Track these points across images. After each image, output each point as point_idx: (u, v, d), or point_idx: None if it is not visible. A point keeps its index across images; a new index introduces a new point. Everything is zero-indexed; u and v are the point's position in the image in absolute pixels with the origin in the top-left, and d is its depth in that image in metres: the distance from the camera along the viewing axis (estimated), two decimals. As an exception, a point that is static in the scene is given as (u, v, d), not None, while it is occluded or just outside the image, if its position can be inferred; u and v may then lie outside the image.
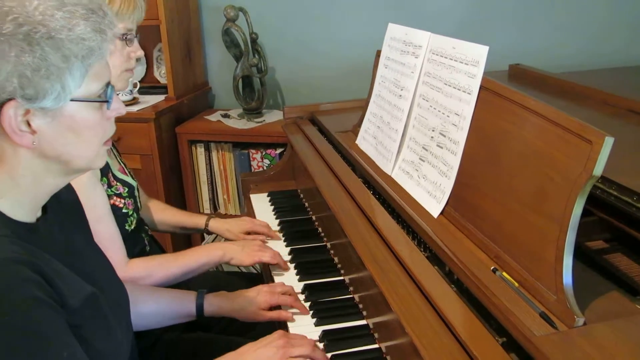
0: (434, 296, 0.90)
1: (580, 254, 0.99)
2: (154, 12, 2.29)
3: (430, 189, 1.18)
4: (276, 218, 1.66)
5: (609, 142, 0.77)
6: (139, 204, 1.37)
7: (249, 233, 1.53)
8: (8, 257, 0.68)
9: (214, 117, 2.48)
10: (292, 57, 2.55)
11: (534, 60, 2.06)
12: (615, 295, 0.86)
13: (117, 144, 2.13)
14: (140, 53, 1.25)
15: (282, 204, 1.72)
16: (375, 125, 1.47)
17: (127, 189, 1.30)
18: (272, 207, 1.72)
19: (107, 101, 0.77)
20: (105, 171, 1.25)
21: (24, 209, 0.79)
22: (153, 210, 1.57)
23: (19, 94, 0.68)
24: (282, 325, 1.17)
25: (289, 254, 1.44)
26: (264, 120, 2.39)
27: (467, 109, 1.10)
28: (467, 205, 1.07)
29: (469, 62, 1.11)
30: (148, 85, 2.59)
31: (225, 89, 2.62)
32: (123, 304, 0.99)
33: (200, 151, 2.43)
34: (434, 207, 1.15)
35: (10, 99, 0.68)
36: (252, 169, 2.38)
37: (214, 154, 2.43)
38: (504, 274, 0.91)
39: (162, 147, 2.34)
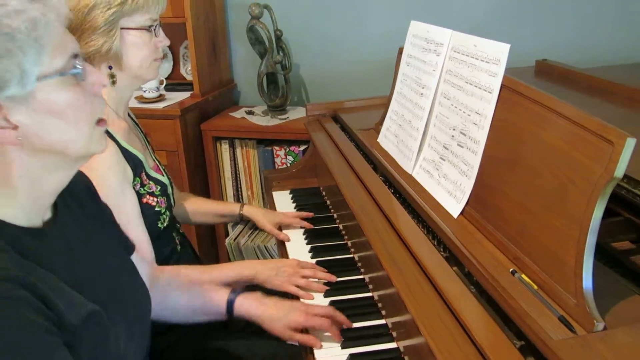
0: (450, 296, 0.90)
1: (605, 254, 0.97)
2: (180, 10, 2.32)
3: (450, 188, 1.17)
4: (298, 214, 1.67)
5: (630, 143, 0.75)
6: (172, 202, 1.38)
7: (280, 227, 1.55)
8: None
9: (238, 113, 2.50)
10: (317, 53, 2.55)
11: (562, 54, 2.02)
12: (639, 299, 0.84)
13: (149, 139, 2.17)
14: (167, 42, 1.27)
15: (304, 202, 1.73)
16: (397, 123, 1.47)
17: (159, 187, 1.31)
18: (294, 204, 1.73)
19: (75, 74, 0.73)
20: (139, 171, 1.26)
21: (27, 214, 0.77)
22: (188, 203, 1.60)
23: None
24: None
25: (309, 251, 1.44)
26: (288, 117, 2.40)
27: (488, 107, 1.08)
28: (487, 206, 1.05)
29: (490, 60, 1.10)
30: (174, 82, 2.62)
31: (250, 85, 2.63)
32: (141, 305, 0.98)
33: (224, 147, 2.45)
34: (454, 207, 1.14)
35: None
36: (276, 166, 2.39)
37: (238, 151, 2.45)
38: (523, 276, 0.90)
39: (188, 144, 2.36)
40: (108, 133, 1.19)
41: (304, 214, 1.58)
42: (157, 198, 1.30)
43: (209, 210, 1.61)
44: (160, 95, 2.42)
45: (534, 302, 0.84)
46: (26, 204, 0.76)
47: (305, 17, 2.52)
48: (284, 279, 1.26)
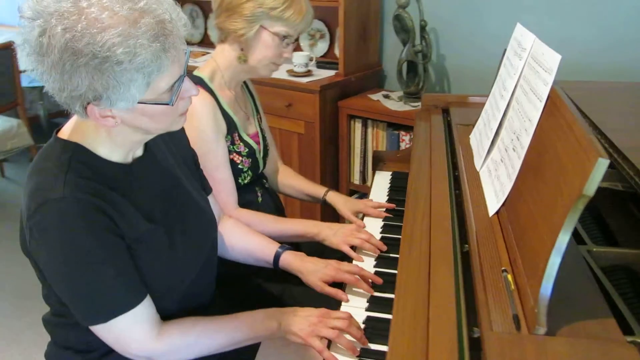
0: (433, 278, 0.98)
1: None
2: (335, -6, 2.52)
3: (497, 188, 1.21)
4: (387, 196, 1.78)
5: (602, 163, 0.76)
6: (259, 165, 1.61)
7: (360, 214, 1.66)
8: (76, 197, 0.94)
9: (376, 96, 2.65)
10: (463, 47, 2.57)
11: None
12: (609, 323, 0.84)
13: (287, 109, 2.44)
14: (290, 56, 1.50)
15: (398, 184, 1.83)
16: (483, 122, 1.50)
17: (247, 150, 1.54)
18: (389, 185, 1.85)
19: (167, 104, 0.95)
20: (232, 130, 1.51)
21: (119, 154, 1.04)
22: (282, 174, 1.82)
23: (95, 102, 0.90)
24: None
25: (381, 227, 1.56)
26: (419, 105, 2.48)
27: (536, 115, 1.10)
28: (512, 208, 1.09)
29: (546, 68, 1.11)
30: (326, 61, 2.85)
31: (395, 71, 2.75)
32: (207, 234, 1.22)
33: (357, 126, 2.63)
34: (493, 207, 1.18)
35: (90, 103, 0.91)
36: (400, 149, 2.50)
37: (369, 130, 2.61)
38: (509, 276, 0.94)
39: (325, 118, 2.59)
40: (214, 94, 1.46)
41: (386, 205, 1.65)
42: (243, 158, 1.53)
43: (296, 186, 1.78)
44: (308, 70, 2.67)
45: (502, 299, 0.89)
46: (118, 147, 1.04)
47: (456, 10, 2.55)
48: (340, 240, 1.42)
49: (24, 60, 0.92)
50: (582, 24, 2.29)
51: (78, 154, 1.00)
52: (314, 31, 2.97)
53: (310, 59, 2.68)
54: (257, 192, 1.63)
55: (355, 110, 2.59)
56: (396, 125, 2.53)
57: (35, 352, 2.28)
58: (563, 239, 0.81)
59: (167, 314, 1.10)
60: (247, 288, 1.51)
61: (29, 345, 2.32)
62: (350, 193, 2.74)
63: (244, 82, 1.68)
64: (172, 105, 0.97)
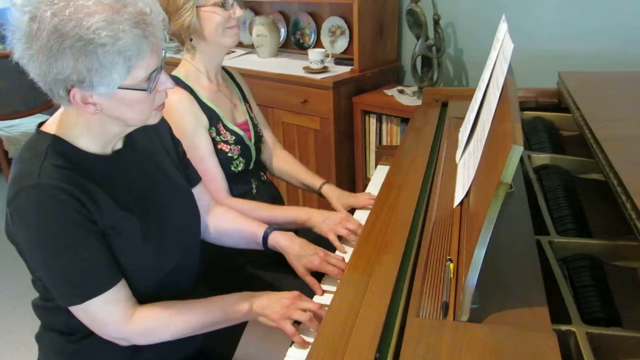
0: (376, 268, 1.00)
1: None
2: (349, -9, 2.54)
3: (465, 180, 1.21)
4: (384, 189, 1.79)
5: (516, 150, 0.76)
6: (251, 151, 1.65)
7: (352, 208, 1.68)
8: (48, 183, 1.00)
9: (391, 91, 2.65)
10: (481, 40, 2.53)
11: None
12: (541, 312, 0.84)
13: (303, 105, 2.48)
14: (240, 12, 1.51)
15: (396, 178, 1.84)
16: (467, 115, 1.49)
17: (234, 138, 1.59)
18: (388, 179, 1.86)
19: (145, 90, 1.01)
20: (215, 121, 1.55)
21: (98, 145, 1.10)
22: (280, 160, 1.84)
23: (78, 85, 0.97)
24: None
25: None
26: (432, 100, 2.46)
27: (495, 105, 1.10)
28: (469, 199, 1.09)
29: (506, 57, 1.10)
30: (344, 57, 2.87)
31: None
32: (185, 227, 1.26)
33: (372, 121, 2.64)
34: (458, 197, 1.18)
35: (73, 87, 0.98)
36: (413, 145, 2.49)
37: (384, 126, 2.61)
38: (451, 265, 0.95)
39: (339, 113, 2.61)
40: (190, 89, 1.52)
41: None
42: (231, 146, 1.58)
43: (293, 174, 1.81)
44: (324, 67, 2.70)
45: (438, 287, 0.90)
46: (96, 138, 1.10)
47: (474, 3, 2.52)
48: (329, 227, 1.45)
49: (13, 46, 1.00)
50: (601, 16, 2.21)
51: (56, 144, 1.07)
52: (334, 28, 3.00)
53: (327, 56, 2.71)
54: (251, 184, 1.67)
55: (369, 105, 2.60)
56: (408, 120, 2.51)
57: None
58: (486, 229, 0.81)
59: (145, 298, 1.16)
60: (237, 279, 1.56)
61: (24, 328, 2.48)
62: (366, 188, 2.74)
63: (227, 73, 1.73)
64: (150, 92, 1.03)
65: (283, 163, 1.84)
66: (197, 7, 1.46)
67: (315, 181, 1.78)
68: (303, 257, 1.33)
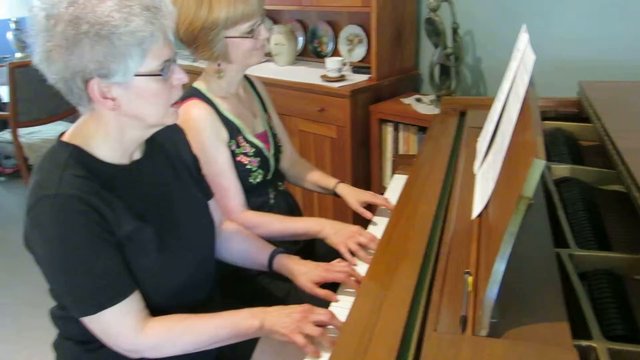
0: (395, 279, 0.99)
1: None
2: (367, 0, 2.54)
3: (484, 191, 1.20)
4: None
5: (538, 164, 0.75)
6: (270, 163, 1.65)
7: (368, 205, 1.68)
8: (68, 193, 1.01)
9: (408, 100, 2.64)
10: (499, 49, 2.51)
11: None
12: (561, 327, 0.82)
13: (320, 114, 2.48)
14: (266, 34, 1.51)
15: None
16: (486, 124, 1.48)
17: (254, 150, 1.59)
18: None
19: (160, 75, 1.04)
20: (235, 134, 1.55)
21: (117, 154, 1.11)
22: (297, 168, 1.84)
23: (96, 73, 0.99)
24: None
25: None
26: (450, 109, 2.45)
27: (515, 116, 1.09)
28: (489, 210, 1.08)
29: (527, 68, 1.09)
30: (362, 65, 2.87)
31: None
32: (199, 240, 1.26)
33: (389, 130, 2.63)
34: (477, 209, 1.17)
35: (91, 78, 1.00)
36: (430, 154, 2.48)
37: (401, 134, 2.61)
38: (470, 278, 0.94)
39: (356, 122, 2.61)
40: (212, 103, 1.53)
41: (389, 206, 1.62)
42: (250, 158, 1.57)
43: (309, 179, 1.81)
44: (342, 75, 2.70)
45: (456, 300, 0.89)
46: (115, 146, 1.12)
47: (492, 12, 2.51)
48: (340, 240, 1.43)
49: (33, 50, 1.03)
50: (621, 24, 2.19)
51: (75, 154, 1.08)
52: (352, 36, 3.00)
53: (344, 64, 2.71)
54: (269, 195, 1.67)
55: (386, 114, 2.59)
56: (426, 129, 2.50)
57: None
58: (507, 243, 0.80)
59: (158, 309, 1.16)
60: (253, 289, 1.56)
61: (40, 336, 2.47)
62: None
63: (250, 82, 1.73)
64: (165, 79, 1.05)
65: (300, 171, 1.84)
66: (225, 37, 1.47)
67: (329, 182, 1.78)
68: (307, 273, 1.32)
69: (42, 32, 0.99)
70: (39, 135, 3.73)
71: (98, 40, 0.97)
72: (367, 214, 1.64)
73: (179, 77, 1.09)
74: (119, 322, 1.08)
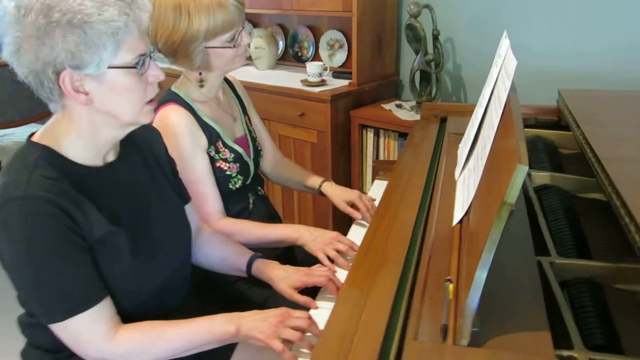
0: (374, 287, 0.97)
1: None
2: (348, 5, 2.53)
3: (465, 197, 1.19)
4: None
5: (521, 170, 0.74)
6: (249, 167, 1.62)
7: (352, 204, 1.65)
8: (37, 195, 0.97)
9: (388, 106, 2.64)
10: (479, 56, 2.53)
11: None
12: (543, 336, 0.81)
13: (300, 119, 2.47)
14: (247, 39, 1.48)
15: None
16: (467, 131, 1.48)
17: (233, 155, 1.55)
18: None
19: (134, 67, 1.00)
20: (214, 140, 1.52)
21: (89, 154, 1.07)
22: (280, 167, 1.82)
23: (68, 64, 0.96)
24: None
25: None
26: (430, 115, 2.45)
27: (497, 121, 1.08)
28: (469, 217, 1.06)
29: (508, 74, 1.08)
30: (342, 71, 2.86)
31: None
32: (175, 244, 1.23)
33: (369, 135, 2.62)
34: (457, 216, 1.16)
35: (63, 69, 0.97)
36: (410, 160, 2.47)
37: (381, 140, 2.60)
38: (451, 286, 0.92)
39: (337, 127, 2.59)
40: (190, 108, 1.49)
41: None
42: (230, 164, 1.54)
43: (293, 177, 1.79)
44: (322, 80, 2.68)
45: (438, 309, 0.87)
46: (88, 146, 1.08)
47: (473, 19, 2.52)
48: (318, 247, 1.41)
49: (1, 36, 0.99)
50: (596, 34, 2.22)
51: (45, 154, 1.04)
52: (333, 41, 2.99)
53: (325, 69, 2.70)
54: (249, 199, 1.64)
55: (366, 119, 2.58)
56: (407, 134, 2.50)
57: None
58: (488, 250, 0.79)
59: (133, 316, 1.12)
60: (230, 295, 1.53)
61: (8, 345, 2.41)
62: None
63: (229, 85, 1.70)
64: (140, 73, 1.02)
65: (283, 170, 1.82)
66: (206, 48, 1.44)
67: (314, 181, 1.76)
68: (287, 278, 1.29)
69: (12, 24, 0.95)
70: (11, 137, 3.64)
71: (70, 30, 0.93)
72: (355, 214, 1.62)
73: (155, 74, 1.06)
74: (89, 329, 1.04)
